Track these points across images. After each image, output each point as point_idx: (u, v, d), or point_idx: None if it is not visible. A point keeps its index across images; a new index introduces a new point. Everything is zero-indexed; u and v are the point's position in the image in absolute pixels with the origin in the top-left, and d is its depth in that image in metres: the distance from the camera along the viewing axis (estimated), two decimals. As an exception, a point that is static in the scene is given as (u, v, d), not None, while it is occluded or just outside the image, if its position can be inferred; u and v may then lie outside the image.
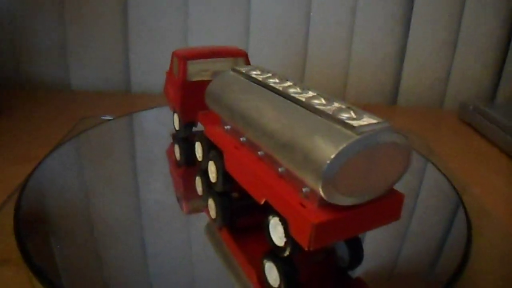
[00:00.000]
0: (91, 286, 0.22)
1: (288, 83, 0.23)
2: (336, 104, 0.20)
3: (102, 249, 0.25)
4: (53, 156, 0.34)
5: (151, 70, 0.55)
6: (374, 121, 0.19)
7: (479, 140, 0.47)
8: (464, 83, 0.57)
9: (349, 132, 0.18)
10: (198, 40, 0.54)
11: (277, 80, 0.24)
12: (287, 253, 0.20)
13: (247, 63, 0.35)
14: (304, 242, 0.19)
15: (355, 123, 0.18)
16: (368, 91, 0.57)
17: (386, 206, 0.20)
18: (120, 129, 0.43)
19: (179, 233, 0.26)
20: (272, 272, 0.21)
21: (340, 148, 0.17)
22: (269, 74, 0.25)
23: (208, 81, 0.28)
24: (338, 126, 0.19)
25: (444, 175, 0.34)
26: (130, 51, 0.54)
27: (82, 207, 0.29)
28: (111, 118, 0.45)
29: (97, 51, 0.54)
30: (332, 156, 0.17)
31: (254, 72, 0.26)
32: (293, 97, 0.22)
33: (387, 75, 0.57)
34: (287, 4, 0.53)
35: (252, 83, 0.25)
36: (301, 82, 0.24)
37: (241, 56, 0.35)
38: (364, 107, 0.49)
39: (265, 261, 0.22)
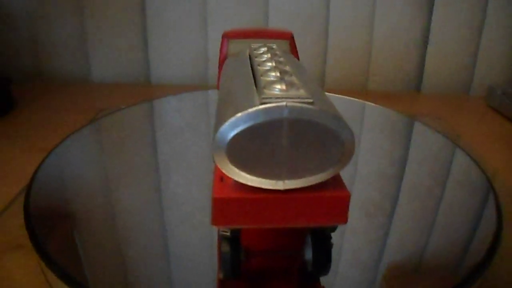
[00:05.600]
0: (107, 275, 0.21)
1: (269, 57, 0.21)
2: (281, 76, 0.18)
3: (117, 237, 0.24)
4: (66, 144, 0.34)
5: (170, 61, 0.55)
6: (301, 96, 0.16)
7: (508, 126, 0.46)
8: (492, 67, 0.55)
9: (257, 100, 0.16)
10: (217, 31, 0.53)
11: (268, 56, 0.22)
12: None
13: (293, 45, 0.32)
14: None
15: (274, 93, 0.16)
16: (391, 78, 0.56)
17: (321, 202, 0.17)
18: (138, 116, 0.43)
19: (202, 227, 0.26)
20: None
21: (238, 114, 0.15)
22: (269, 54, 0.23)
23: None
24: (255, 95, 0.16)
25: (474, 160, 0.33)
26: (149, 42, 0.54)
27: (96, 194, 0.29)
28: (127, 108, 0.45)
29: (116, 43, 0.54)
30: (227, 121, 0.15)
31: (261, 51, 0.24)
32: (255, 70, 0.20)
33: (410, 61, 0.55)
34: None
35: (246, 61, 0.23)
36: (289, 59, 0.22)
37: (285, 38, 0.32)
38: (388, 94, 0.47)
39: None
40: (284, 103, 0.15)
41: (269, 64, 0.20)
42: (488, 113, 0.49)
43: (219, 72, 0.32)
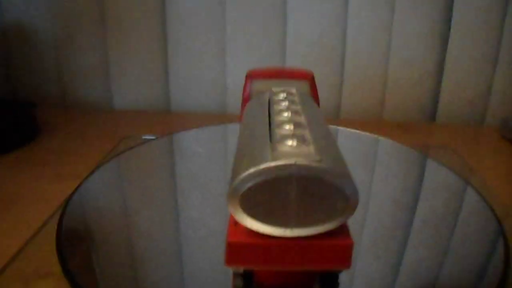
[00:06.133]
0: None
1: (286, 106, 0.23)
2: (294, 131, 0.20)
3: (141, 268, 0.26)
4: (95, 175, 0.35)
5: (189, 90, 0.56)
6: (310, 153, 0.17)
7: (522, 159, 0.46)
8: (506, 98, 0.55)
9: (269, 156, 0.17)
10: (235, 60, 0.55)
11: (286, 104, 0.24)
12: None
13: (312, 86, 0.34)
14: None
15: (285, 150, 0.18)
16: (406, 108, 0.57)
17: (325, 249, 0.18)
18: (162, 149, 0.44)
19: (219, 255, 0.27)
20: None
21: (251, 170, 0.17)
22: (287, 102, 0.25)
23: None
24: (268, 150, 0.18)
25: (484, 198, 0.33)
26: (170, 71, 0.56)
27: (123, 226, 0.30)
28: (152, 137, 0.47)
29: (137, 71, 0.56)
30: (241, 175, 0.17)
31: (280, 96, 0.26)
32: (272, 119, 0.22)
33: (425, 91, 0.56)
34: (324, 22, 0.54)
35: (265, 108, 0.25)
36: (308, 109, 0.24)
37: (305, 79, 0.33)
38: (402, 125, 0.48)
39: None
40: (293, 161, 0.17)
41: (286, 114, 0.22)
42: (502, 144, 0.50)
43: (242, 110, 0.34)
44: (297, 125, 0.20)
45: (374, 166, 0.41)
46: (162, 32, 0.55)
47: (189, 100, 0.57)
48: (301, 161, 0.17)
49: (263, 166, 0.17)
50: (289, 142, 0.18)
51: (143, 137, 0.47)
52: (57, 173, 0.40)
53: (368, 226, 0.31)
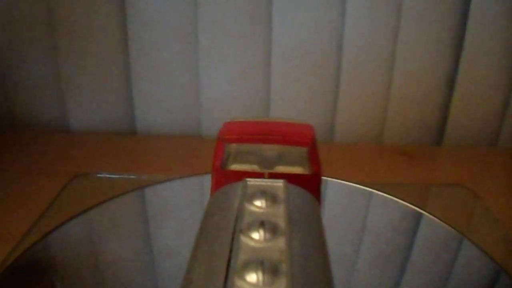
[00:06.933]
0: None
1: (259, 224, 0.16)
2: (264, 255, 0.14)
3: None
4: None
5: (157, 107, 0.48)
6: None
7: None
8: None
9: None
10: (211, 73, 0.47)
11: (263, 209, 0.17)
12: None
13: (313, 155, 0.24)
14: None
15: None
16: (409, 129, 0.49)
17: None
18: (126, 207, 0.36)
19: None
20: None
21: None
22: (266, 205, 0.17)
23: (254, 174, 0.21)
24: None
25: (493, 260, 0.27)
26: (133, 86, 0.47)
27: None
28: (110, 175, 0.39)
29: (95, 86, 0.48)
30: None
31: (256, 198, 0.18)
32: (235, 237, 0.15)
33: (432, 109, 0.49)
34: (316, 27, 0.46)
35: (228, 213, 0.17)
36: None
37: (302, 145, 0.24)
38: (405, 151, 0.42)
39: None
40: None
41: (256, 234, 0.15)
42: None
43: (212, 185, 0.25)
44: (269, 249, 0.14)
45: (365, 221, 0.35)
46: (122, 40, 0.46)
47: (156, 120, 0.49)
48: None
49: None
50: (253, 276, 0.13)
51: (98, 175, 0.40)
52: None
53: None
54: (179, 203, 0.35)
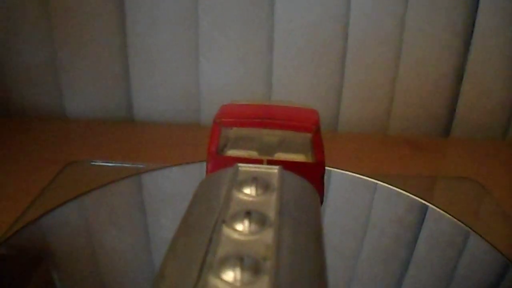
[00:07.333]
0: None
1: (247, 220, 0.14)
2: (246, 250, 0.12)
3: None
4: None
5: (155, 95, 0.47)
6: None
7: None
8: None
9: None
10: (211, 59, 0.45)
11: (252, 197, 0.15)
12: None
13: (317, 142, 0.22)
14: None
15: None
16: (416, 120, 0.47)
17: None
18: (122, 193, 0.34)
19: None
20: None
21: None
22: (256, 194, 0.15)
23: (251, 160, 0.19)
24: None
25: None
26: (130, 73, 0.46)
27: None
28: (103, 163, 0.38)
29: (92, 72, 0.46)
30: None
31: (247, 186, 0.16)
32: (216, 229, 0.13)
33: (440, 100, 0.47)
34: (321, 12, 0.44)
35: (212, 201, 0.15)
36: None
37: (306, 131, 0.22)
38: (411, 141, 0.40)
39: None
40: None
41: (239, 227, 0.13)
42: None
43: (206, 172, 0.24)
44: (253, 243, 0.12)
45: (370, 213, 0.34)
46: (120, 25, 0.44)
47: (154, 108, 0.47)
48: None
49: None
50: (230, 274, 0.11)
51: (92, 163, 0.38)
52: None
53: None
54: (175, 191, 0.34)
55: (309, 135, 0.22)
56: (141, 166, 0.37)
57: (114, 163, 0.38)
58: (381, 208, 0.34)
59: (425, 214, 0.33)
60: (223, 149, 0.23)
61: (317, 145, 0.22)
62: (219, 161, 0.22)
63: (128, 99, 0.47)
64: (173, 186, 0.35)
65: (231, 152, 0.22)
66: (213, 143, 0.22)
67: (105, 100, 0.47)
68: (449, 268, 0.28)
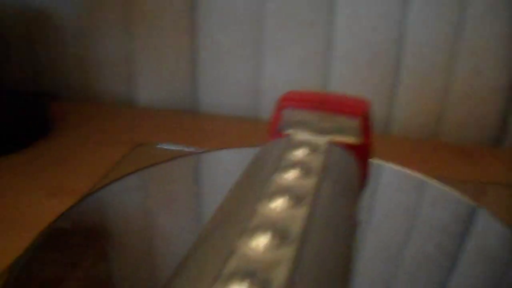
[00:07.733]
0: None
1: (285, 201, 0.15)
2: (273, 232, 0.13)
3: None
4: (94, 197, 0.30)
5: (220, 90, 0.50)
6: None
7: None
8: None
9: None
10: (273, 60, 0.48)
11: (295, 174, 0.17)
12: None
13: (364, 126, 0.25)
14: None
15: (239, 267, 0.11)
16: (467, 128, 0.48)
17: None
18: (181, 170, 0.38)
19: None
20: None
21: None
22: (300, 168, 0.17)
23: None
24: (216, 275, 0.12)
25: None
26: (198, 67, 0.50)
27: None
28: (169, 147, 0.41)
29: (163, 65, 0.50)
30: None
31: (293, 158, 0.18)
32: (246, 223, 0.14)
33: (494, 108, 0.47)
34: (379, 19, 0.46)
35: (254, 190, 0.16)
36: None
37: (355, 114, 0.24)
38: (461, 150, 0.40)
39: None
40: None
41: (274, 203, 0.14)
42: None
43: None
44: (283, 221, 0.13)
45: (415, 211, 0.34)
46: (191, 23, 0.48)
47: (218, 101, 0.51)
48: None
49: None
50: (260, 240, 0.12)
51: (158, 146, 0.42)
52: (54, 186, 0.35)
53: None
54: (233, 171, 0.36)
55: (357, 118, 0.24)
56: (203, 150, 0.41)
57: (178, 146, 0.41)
58: (431, 206, 0.35)
59: (475, 217, 0.33)
60: (283, 128, 0.25)
61: (365, 128, 0.24)
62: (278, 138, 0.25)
63: (194, 91, 0.51)
64: (231, 166, 0.37)
65: (289, 132, 0.25)
66: (274, 123, 0.25)
67: (173, 91, 0.51)
68: (496, 273, 0.28)
